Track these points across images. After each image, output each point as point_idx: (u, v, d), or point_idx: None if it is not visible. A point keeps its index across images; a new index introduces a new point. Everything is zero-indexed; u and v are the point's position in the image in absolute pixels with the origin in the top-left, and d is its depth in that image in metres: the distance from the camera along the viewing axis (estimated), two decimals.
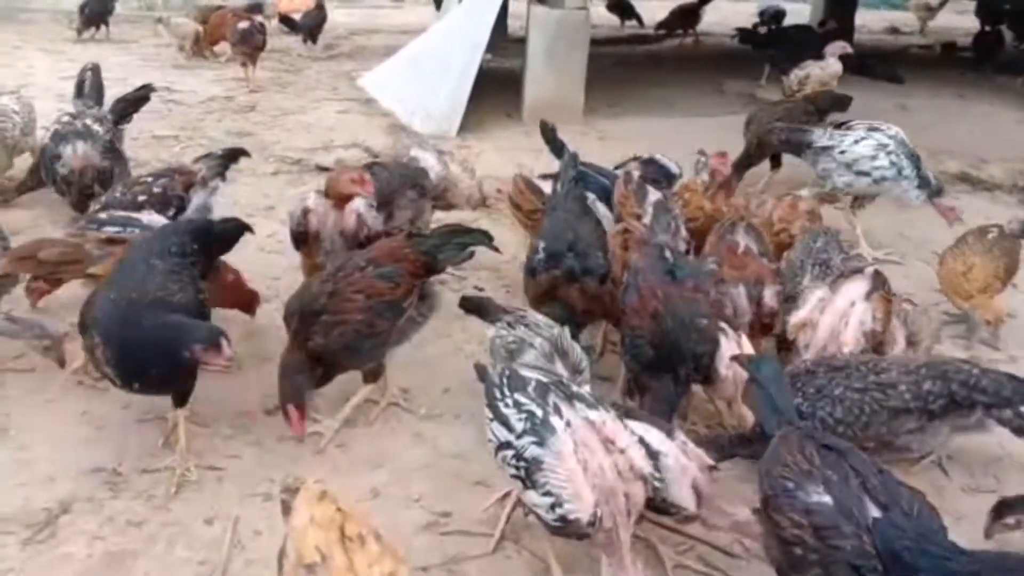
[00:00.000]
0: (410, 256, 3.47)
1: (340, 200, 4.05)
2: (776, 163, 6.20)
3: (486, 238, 3.61)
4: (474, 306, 3.65)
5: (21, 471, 3.19)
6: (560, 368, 3.13)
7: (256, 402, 3.61)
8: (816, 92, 6.63)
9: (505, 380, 2.70)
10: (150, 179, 4.45)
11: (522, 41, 8.73)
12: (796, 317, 3.54)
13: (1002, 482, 3.32)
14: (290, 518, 2.17)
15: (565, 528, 2.48)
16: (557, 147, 5.00)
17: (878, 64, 11.10)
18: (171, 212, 4.28)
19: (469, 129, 7.82)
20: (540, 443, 2.50)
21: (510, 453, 2.55)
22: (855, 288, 3.53)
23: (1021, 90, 10.29)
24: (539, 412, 2.56)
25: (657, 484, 2.55)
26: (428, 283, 3.59)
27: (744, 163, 6.06)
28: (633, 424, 2.70)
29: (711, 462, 2.72)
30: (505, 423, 2.60)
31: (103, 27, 11.36)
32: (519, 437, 2.54)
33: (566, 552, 2.87)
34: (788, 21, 15.54)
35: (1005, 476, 3.36)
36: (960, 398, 2.89)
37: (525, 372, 2.74)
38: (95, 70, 5.78)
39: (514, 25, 11.69)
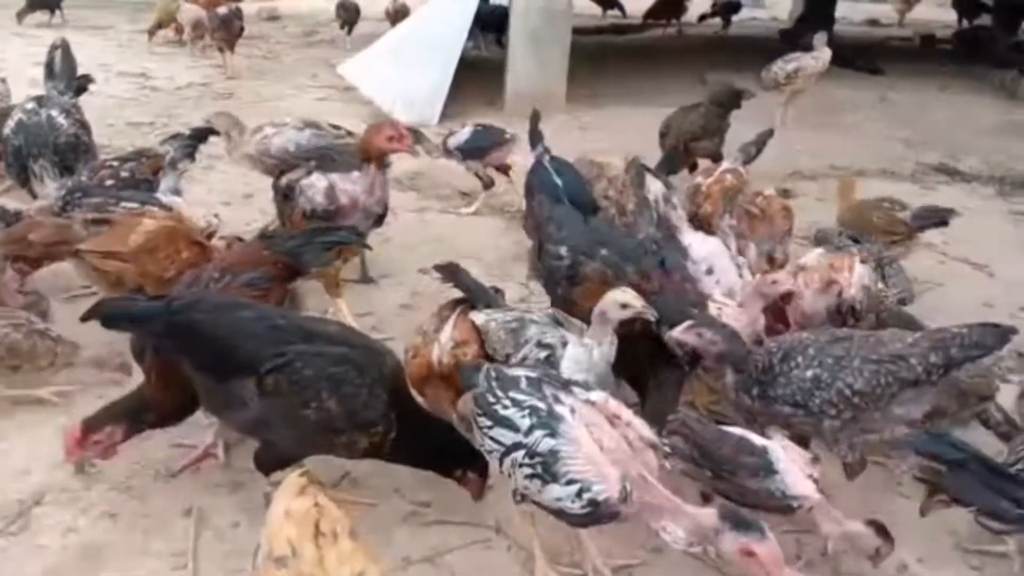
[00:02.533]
0: (269, 259, 3.29)
1: (378, 159, 3.97)
2: (693, 168, 5.83)
3: (354, 235, 3.47)
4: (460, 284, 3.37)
5: None
6: (568, 334, 3.06)
7: None
8: (718, 89, 6.33)
9: (494, 383, 2.61)
10: (116, 163, 4.35)
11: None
12: (793, 265, 3.69)
13: None
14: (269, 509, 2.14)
15: (595, 513, 2.40)
16: (534, 138, 4.93)
17: (859, 56, 11.16)
18: None
19: (451, 117, 7.77)
20: (552, 434, 2.43)
21: (521, 453, 2.46)
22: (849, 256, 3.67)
23: (999, 83, 10.35)
24: (542, 405, 2.50)
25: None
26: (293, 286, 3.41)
27: (666, 170, 5.58)
28: (728, 428, 2.71)
29: (812, 455, 2.68)
30: (508, 425, 2.51)
31: (57, 12, 11.09)
32: (528, 434, 2.46)
33: (550, 541, 2.86)
34: (768, 13, 15.64)
35: None
36: (958, 361, 2.87)
37: (511, 372, 2.66)
38: (64, 47, 5.41)
39: None
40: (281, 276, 3.24)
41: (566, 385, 2.60)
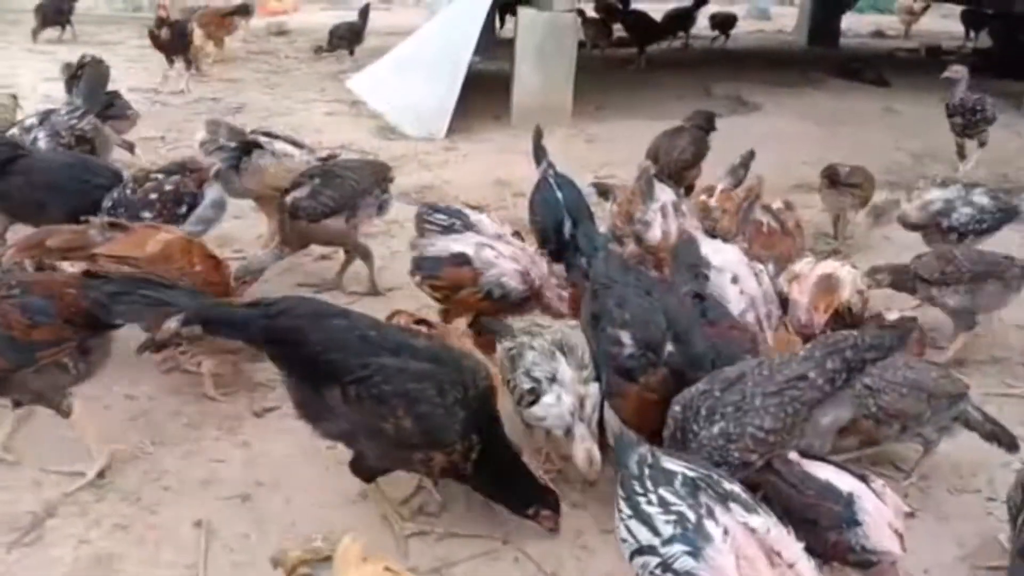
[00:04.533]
0: (69, 297, 2.93)
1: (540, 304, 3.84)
2: (689, 190, 5.65)
3: (190, 299, 3.08)
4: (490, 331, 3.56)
5: (5, 475, 3.16)
6: (564, 366, 3.07)
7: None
8: (695, 112, 6.26)
9: (647, 470, 2.32)
10: (161, 176, 4.32)
11: (511, 43, 8.74)
12: (787, 273, 3.86)
13: (991, 482, 3.33)
14: None
15: None
16: (538, 154, 4.86)
17: (864, 67, 11.19)
18: (183, 210, 4.25)
19: (457, 131, 7.83)
20: (694, 553, 2.11)
21: (653, 561, 2.17)
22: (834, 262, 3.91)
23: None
24: (691, 515, 2.18)
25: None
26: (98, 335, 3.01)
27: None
28: (818, 466, 2.54)
29: (907, 508, 2.57)
30: (648, 524, 2.21)
31: (68, 27, 11.20)
32: (667, 543, 2.16)
33: (553, 553, 2.89)
34: (774, 25, 15.70)
35: (992, 475, 3.38)
36: (855, 363, 2.70)
37: (669, 464, 2.34)
38: (92, 63, 5.31)
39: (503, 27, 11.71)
40: (71, 318, 2.92)
41: (725, 499, 2.24)
